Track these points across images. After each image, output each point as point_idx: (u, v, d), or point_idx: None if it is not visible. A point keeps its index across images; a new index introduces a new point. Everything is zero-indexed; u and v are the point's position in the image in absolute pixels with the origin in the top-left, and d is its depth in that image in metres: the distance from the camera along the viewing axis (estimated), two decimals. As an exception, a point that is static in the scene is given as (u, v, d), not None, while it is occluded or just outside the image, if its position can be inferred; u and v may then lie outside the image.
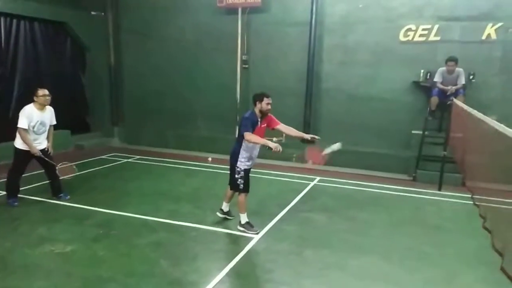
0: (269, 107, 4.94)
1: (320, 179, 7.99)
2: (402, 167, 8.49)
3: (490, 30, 7.88)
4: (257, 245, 4.70)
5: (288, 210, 6.05)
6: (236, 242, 4.81)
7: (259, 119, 4.95)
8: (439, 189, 7.31)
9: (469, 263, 4.35)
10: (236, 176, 5.01)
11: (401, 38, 8.52)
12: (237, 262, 4.23)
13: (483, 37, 7.95)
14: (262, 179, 7.81)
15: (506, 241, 2.58)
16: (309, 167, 8.98)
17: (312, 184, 7.66)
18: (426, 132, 7.99)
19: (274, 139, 5.12)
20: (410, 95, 8.63)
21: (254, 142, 4.80)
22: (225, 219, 5.47)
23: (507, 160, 2.92)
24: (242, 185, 5.01)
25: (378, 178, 8.17)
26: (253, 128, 4.83)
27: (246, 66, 9.96)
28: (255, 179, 7.73)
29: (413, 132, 8.39)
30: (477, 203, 3.92)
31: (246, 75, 9.99)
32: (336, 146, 5.39)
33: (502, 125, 3.00)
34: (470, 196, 4.66)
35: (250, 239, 4.83)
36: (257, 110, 4.93)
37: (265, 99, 4.89)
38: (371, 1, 8.69)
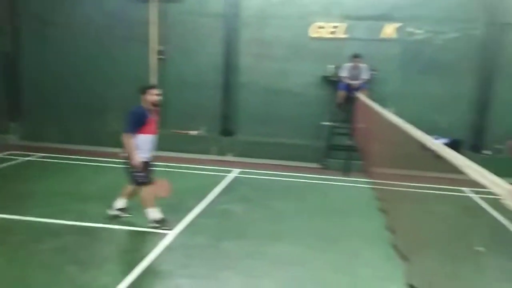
0: (156, 97, 4.86)
1: (240, 171, 8.09)
2: (314, 157, 8.98)
3: (389, 30, 8.69)
4: (173, 242, 4.60)
5: (207, 204, 6.02)
6: (151, 240, 4.65)
7: (149, 112, 4.84)
8: (346, 176, 7.91)
9: (370, 242, 4.78)
10: (132, 169, 4.79)
11: (312, 34, 8.97)
12: (151, 261, 4.10)
13: (383, 36, 8.74)
14: (179, 173, 7.66)
15: (397, 220, 2.88)
16: (229, 159, 9.07)
17: (231, 176, 7.73)
18: (334, 123, 8.56)
19: None
20: (320, 88, 9.16)
21: (127, 148, 4.67)
22: (146, 220, 5.25)
23: (399, 149, 3.25)
24: (140, 178, 4.79)
25: (293, 168, 8.55)
26: (143, 122, 4.74)
27: (163, 57, 9.61)
28: (172, 174, 7.59)
29: (322, 123, 8.94)
30: (374, 186, 4.32)
31: (162, 67, 9.65)
32: None
33: (396, 117, 3.33)
34: (370, 181, 5.12)
35: (165, 235, 4.71)
36: (145, 103, 4.82)
37: (149, 91, 4.83)
38: (285, -3, 9.00)
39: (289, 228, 5.21)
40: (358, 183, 7.52)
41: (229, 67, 9.31)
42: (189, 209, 5.64)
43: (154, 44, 9.47)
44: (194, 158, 8.86)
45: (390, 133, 3.29)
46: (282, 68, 9.26)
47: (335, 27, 8.83)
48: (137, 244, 4.64)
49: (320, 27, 8.90)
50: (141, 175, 4.77)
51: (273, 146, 9.13)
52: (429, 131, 8.91)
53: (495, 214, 5.88)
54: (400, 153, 3.02)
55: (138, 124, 4.70)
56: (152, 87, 4.92)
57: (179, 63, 9.58)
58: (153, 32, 9.41)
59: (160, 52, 9.54)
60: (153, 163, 5.07)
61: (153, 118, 4.89)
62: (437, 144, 1.86)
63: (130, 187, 5.01)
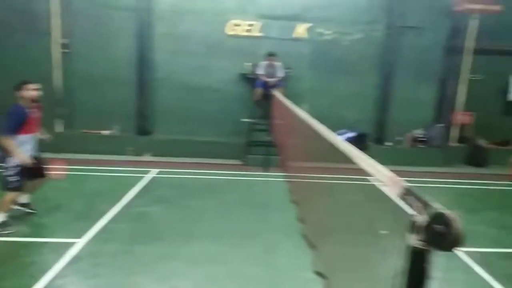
0: (34, 93, 4.58)
1: (158, 171, 7.79)
2: (235, 153, 9.04)
3: (300, 30, 9.08)
4: (81, 251, 4.25)
5: (121, 207, 5.69)
6: (56, 251, 4.24)
7: (28, 110, 4.54)
8: (266, 171, 8.11)
9: (288, 234, 4.94)
10: (6, 172, 4.46)
11: (229, 31, 8.99)
12: (56, 274, 3.74)
13: (295, 35, 9.11)
14: (91, 176, 7.15)
15: (307, 211, 3.01)
16: (146, 160, 8.70)
17: (149, 176, 7.41)
18: (253, 120, 8.71)
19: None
20: (238, 86, 9.25)
21: (9, 150, 4.40)
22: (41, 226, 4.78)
23: (309, 143, 3.39)
24: (12, 184, 4.50)
25: (213, 165, 8.51)
26: (23, 121, 4.46)
27: (67, 50, 8.85)
28: (83, 177, 7.07)
29: (242, 120, 9.04)
30: (288, 180, 4.47)
31: (68, 61, 8.89)
32: None
33: (304, 113, 3.46)
34: (285, 174, 5.30)
35: (73, 245, 4.34)
36: (24, 100, 4.51)
37: (25, 86, 4.54)
38: (200, -8, 8.88)
39: (208, 226, 5.16)
40: (277, 177, 7.73)
41: (143, 62, 8.92)
42: (101, 214, 5.28)
43: (57, 37, 8.66)
44: (108, 160, 8.33)
45: (300, 129, 3.43)
46: (200, 64, 9.15)
47: (250, 25, 8.97)
48: (42, 257, 4.20)
49: (236, 25, 8.97)
50: (14, 180, 4.48)
51: (192, 144, 8.98)
52: (339, 126, 9.62)
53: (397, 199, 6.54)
54: (310, 147, 3.16)
55: (17, 124, 4.40)
56: (27, 82, 4.56)
57: (87, 58, 8.92)
58: (56, 24, 8.60)
59: (64, 46, 8.77)
60: (38, 164, 4.75)
61: (33, 116, 4.58)
62: (335, 138, 1.97)
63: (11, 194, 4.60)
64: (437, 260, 3.20)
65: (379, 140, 9.57)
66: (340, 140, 1.87)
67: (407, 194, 1.07)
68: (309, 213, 2.98)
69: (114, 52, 8.97)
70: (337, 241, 2.32)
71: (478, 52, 9.44)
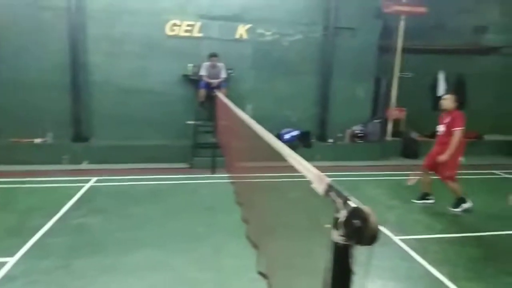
0: None
1: (97, 180, 7.41)
2: (180, 156, 8.85)
3: (242, 30, 9.13)
4: (14, 270, 3.92)
5: (57, 220, 5.33)
6: (-18, 273, 3.87)
7: None
8: (213, 173, 8.04)
9: (233, 235, 4.93)
10: None
11: (168, 32, 8.79)
12: (-18, 298, 3.41)
13: (237, 36, 9.14)
14: (22, 189, 6.64)
15: (249, 212, 3.01)
16: (84, 168, 8.25)
17: (87, 186, 7.02)
18: (198, 122, 8.60)
19: None
20: (181, 87, 9.07)
21: None
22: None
23: (249, 144, 3.39)
24: None
25: (158, 170, 8.27)
26: None
27: (-11, 54, 8.12)
28: (13, 191, 6.53)
29: (187, 122, 8.89)
30: (233, 181, 4.47)
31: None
32: None
33: (246, 115, 3.46)
34: (230, 176, 5.29)
35: (3, 264, 3.99)
36: None
37: None
38: (136, -9, 8.58)
39: (152, 233, 5.00)
40: (224, 179, 7.67)
41: (77, 65, 8.43)
42: (35, 229, 4.91)
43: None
44: (42, 170, 7.76)
45: (240, 129, 3.43)
46: (140, 66, 8.85)
47: (190, 25, 8.84)
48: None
49: (176, 25, 8.79)
50: None
51: (135, 149, 8.66)
52: (283, 125, 9.79)
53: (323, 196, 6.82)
54: (249, 147, 3.16)
55: None
56: None
57: (12, 61, 8.26)
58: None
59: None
60: None
61: None
62: (271, 137, 1.99)
63: None
64: (378, 250, 3.37)
65: (322, 137, 9.90)
66: (274, 140, 1.89)
67: (330, 190, 1.10)
68: (251, 214, 2.99)
69: (43, 55, 8.37)
70: (276, 239, 2.35)
71: (407, 51, 10.11)
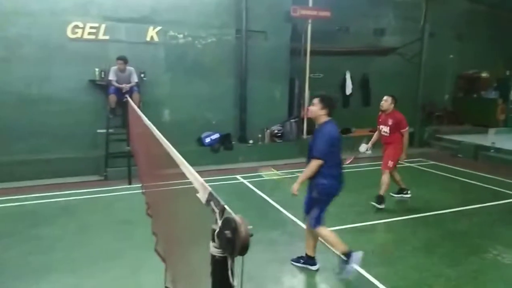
0: None
1: (-7, 201, 6.57)
2: (93, 168, 8.26)
3: (152, 33, 8.81)
4: None
5: None
6: None
7: None
8: (129, 184, 7.62)
9: (152, 249, 4.69)
10: None
11: (70, 35, 8.14)
12: None
13: (147, 39, 8.80)
14: None
15: (156, 224, 2.87)
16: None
17: (-20, 209, 6.18)
18: (110, 130, 8.09)
19: None
20: (89, 94, 8.46)
21: None
22: None
23: (153, 152, 3.24)
24: None
25: (69, 185, 7.61)
26: None
27: None
28: None
29: (98, 131, 8.32)
30: (143, 191, 4.26)
31: None
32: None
33: (150, 123, 3.29)
34: (142, 185, 5.05)
35: None
36: None
37: None
38: (32, -10, 7.79)
39: (63, 255, 4.56)
40: (140, 189, 7.35)
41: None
42: None
43: None
44: None
45: (146, 136, 3.26)
46: (40, 72, 8.05)
47: (94, 27, 8.28)
48: None
49: (78, 27, 8.16)
50: None
51: (40, 163, 7.86)
52: (204, 128, 9.69)
53: (262, 194, 6.96)
54: (154, 155, 3.02)
55: None
56: None
57: None
58: None
59: None
60: None
61: None
62: (169, 145, 1.90)
63: None
64: (297, 244, 3.44)
65: (243, 139, 9.99)
66: (171, 148, 1.81)
67: (210, 199, 1.05)
68: (157, 225, 2.86)
69: None
70: (178, 251, 2.26)
71: (316, 53, 10.66)
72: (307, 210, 4.11)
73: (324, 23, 10.52)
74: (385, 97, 6.39)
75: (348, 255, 3.88)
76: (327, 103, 3.97)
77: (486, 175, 8.48)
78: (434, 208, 6.27)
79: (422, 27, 11.64)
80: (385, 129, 6.31)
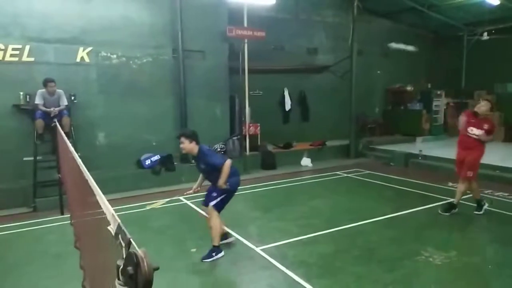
0: None
1: None
2: (20, 200, 7.60)
3: (82, 54, 8.43)
4: None
5: None
6: None
7: None
8: (62, 214, 7.10)
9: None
10: None
11: (-10, 57, 7.53)
12: None
13: (78, 60, 8.40)
14: None
15: (83, 256, 2.68)
16: None
17: None
18: (38, 157, 7.52)
19: None
20: (14, 120, 7.84)
21: None
22: None
23: (75, 180, 3.04)
24: None
25: (-9, 220, 6.89)
26: None
27: None
28: None
29: (25, 159, 7.70)
30: (72, 221, 3.98)
31: None
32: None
33: (72, 149, 3.11)
34: (70, 216, 4.72)
35: None
36: None
37: None
38: None
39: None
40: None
41: None
42: None
43: None
44: None
45: (68, 163, 3.06)
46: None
47: (17, 49, 7.74)
48: None
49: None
50: None
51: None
52: (144, 150, 9.37)
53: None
54: (76, 183, 2.84)
55: None
56: None
57: None
58: None
59: None
60: None
61: None
62: (87, 173, 1.79)
63: None
64: (242, 264, 3.38)
65: (185, 159, 9.79)
66: (89, 175, 1.71)
67: (118, 232, 0.99)
68: (85, 259, 2.67)
69: None
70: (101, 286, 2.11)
71: (254, 71, 10.90)
72: (207, 201, 4.96)
73: (260, 43, 10.81)
74: (483, 102, 6.05)
75: (218, 249, 4.85)
76: (191, 136, 4.69)
77: (416, 181, 9.10)
78: (372, 215, 6.56)
79: (350, 46, 12.39)
80: (476, 132, 5.93)
